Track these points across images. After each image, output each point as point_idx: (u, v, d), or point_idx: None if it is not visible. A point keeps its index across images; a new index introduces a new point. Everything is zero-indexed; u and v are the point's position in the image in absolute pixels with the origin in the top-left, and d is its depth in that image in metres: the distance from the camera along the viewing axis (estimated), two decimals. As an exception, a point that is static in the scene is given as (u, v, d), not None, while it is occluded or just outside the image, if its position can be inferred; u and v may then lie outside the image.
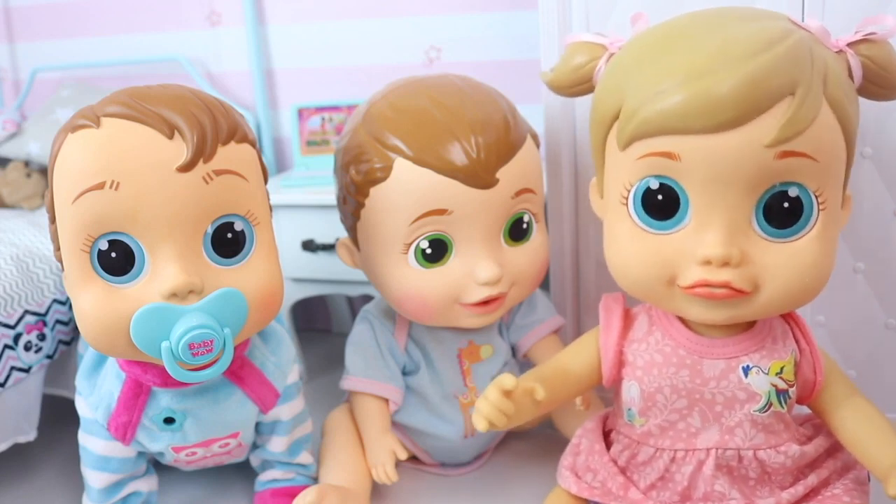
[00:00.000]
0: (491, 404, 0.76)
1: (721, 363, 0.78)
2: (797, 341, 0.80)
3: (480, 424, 0.76)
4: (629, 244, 0.75)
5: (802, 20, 0.82)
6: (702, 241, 0.71)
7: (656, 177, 0.72)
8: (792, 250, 0.71)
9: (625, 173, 0.74)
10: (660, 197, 0.72)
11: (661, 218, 0.73)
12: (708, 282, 0.71)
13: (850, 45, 0.72)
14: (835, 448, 0.83)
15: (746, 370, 0.78)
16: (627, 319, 0.84)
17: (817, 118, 0.66)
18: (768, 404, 0.78)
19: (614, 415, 0.89)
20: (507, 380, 0.76)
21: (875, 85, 0.73)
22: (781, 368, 0.78)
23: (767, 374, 0.77)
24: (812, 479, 0.80)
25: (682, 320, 0.81)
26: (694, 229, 0.71)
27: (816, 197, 0.70)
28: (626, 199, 0.74)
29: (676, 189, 0.71)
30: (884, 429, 0.78)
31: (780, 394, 0.78)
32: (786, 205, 0.70)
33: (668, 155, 0.69)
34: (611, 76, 0.76)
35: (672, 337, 0.80)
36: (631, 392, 0.82)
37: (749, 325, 0.80)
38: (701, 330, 0.80)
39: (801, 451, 0.80)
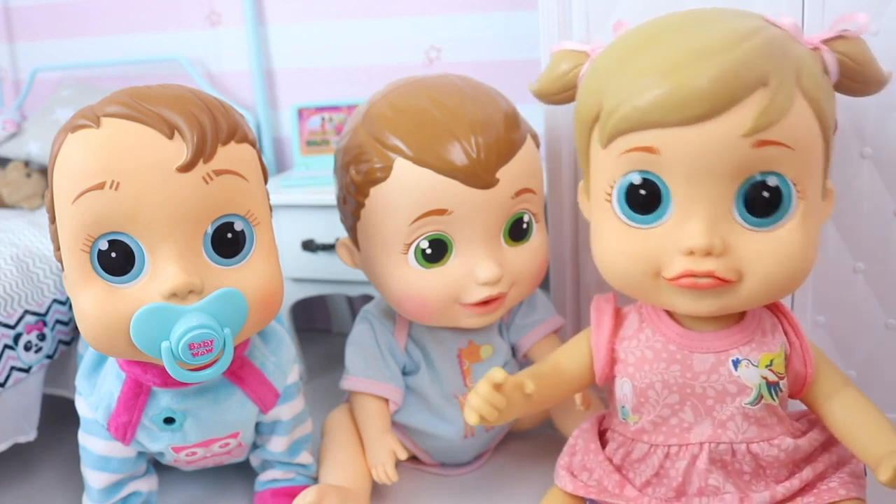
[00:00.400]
0: (481, 398, 0.76)
1: (711, 357, 0.79)
2: (786, 334, 0.81)
3: (471, 418, 0.77)
4: (615, 240, 0.77)
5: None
6: (684, 233, 0.72)
7: (639, 172, 0.74)
8: (773, 238, 0.72)
9: (608, 171, 0.76)
10: (642, 192, 0.74)
11: (645, 212, 0.75)
12: (692, 272, 0.72)
13: (825, 42, 0.73)
14: (830, 442, 0.84)
15: (736, 363, 0.78)
16: (618, 318, 0.86)
17: (792, 108, 0.68)
18: (759, 397, 0.78)
19: (610, 415, 0.89)
20: (497, 373, 0.76)
21: (851, 80, 0.74)
22: (771, 361, 0.79)
23: (757, 366, 0.78)
24: (807, 473, 0.81)
25: (672, 316, 0.82)
26: (676, 221, 0.73)
27: (795, 186, 0.71)
28: (611, 195, 0.76)
29: (658, 183, 0.73)
30: (875, 419, 0.78)
31: (771, 386, 0.79)
32: (765, 194, 0.71)
33: (649, 149, 0.71)
34: (591, 78, 0.78)
35: (662, 333, 0.81)
36: (624, 389, 0.83)
37: (738, 319, 0.80)
38: (690, 324, 0.81)
39: (794, 444, 0.80)
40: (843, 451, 0.83)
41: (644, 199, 0.74)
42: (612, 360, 0.84)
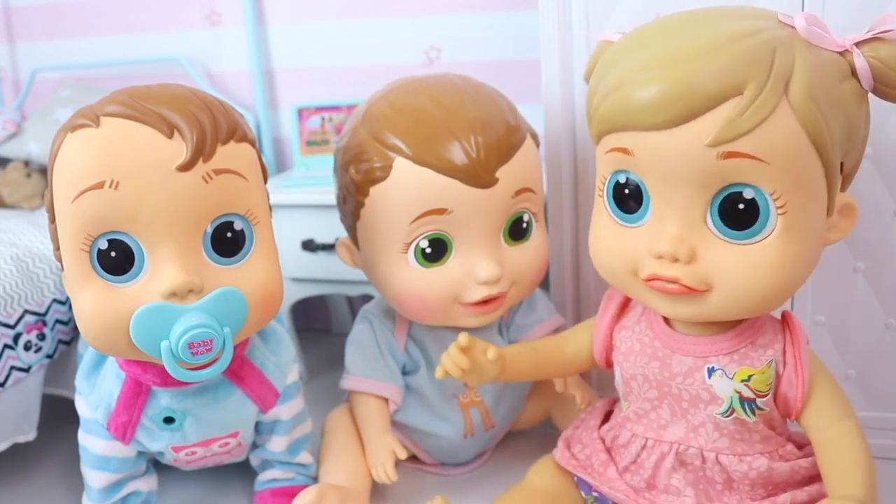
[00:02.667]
0: (449, 358, 0.85)
1: (689, 360, 0.78)
2: (785, 353, 0.77)
3: (438, 372, 0.86)
4: (603, 235, 0.78)
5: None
6: (657, 236, 0.72)
7: (623, 171, 0.74)
8: (747, 253, 0.69)
9: (601, 167, 0.77)
10: (626, 191, 0.74)
11: (629, 211, 0.75)
12: (659, 276, 0.72)
13: (857, 44, 0.69)
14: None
15: (711, 371, 0.77)
16: (624, 308, 0.87)
17: (768, 121, 0.65)
18: (730, 409, 0.77)
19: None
20: (462, 338, 0.84)
21: (886, 86, 0.69)
22: (749, 376, 0.76)
23: (732, 379, 0.76)
24: (784, 499, 0.77)
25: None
26: (653, 224, 0.73)
27: (774, 200, 0.68)
28: (602, 192, 0.77)
29: (640, 184, 0.73)
30: (853, 459, 0.73)
31: (745, 402, 0.76)
32: (740, 206, 0.69)
33: (624, 150, 0.71)
34: (595, 74, 0.77)
35: (652, 329, 0.82)
36: (616, 375, 0.86)
37: (728, 327, 0.78)
38: (678, 326, 0.80)
39: (769, 466, 0.77)
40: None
41: (628, 198, 0.74)
42: (610, 346, 0.86)
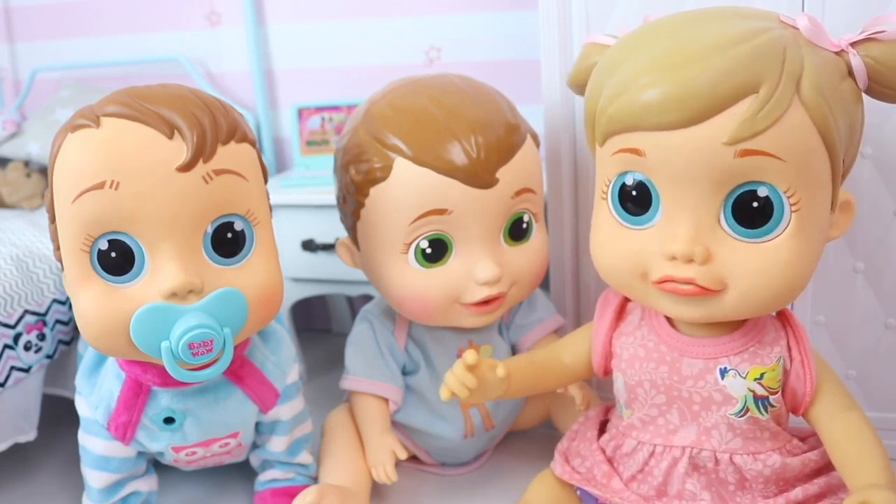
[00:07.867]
0: (455, 377, 0.82)
1: (699, 363, 0.78)
2: (790, 349, 0.78)
3: (443, 394, 0.83)
4: (607, 238, 0.77)
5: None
6: (670, 237, 0.71)
7: (630, 172, 0.73)
8: (761, 251, 0.70)
9: (605, 169, 0.76)
10: (634, 193, 0.74)
11: (636, 213, 0.74)
12: (673, 277, 0.71)
13: (853, 44, 0.70)
14: (831, 466, 0.80)
15: (723, 372, 0.77)
16: (621, 313, 0.86)
17: (783, 118, 0.65)
18: (745, 409, 0.77)
19: (613, 406, 0.90)
20: (470, 356, 0.81)
21: (880, 85, 0.70)
22: (762, 374, 0.77)
23: (745, 378, 0.76)
24: (797, 493, 0.78)
25: (668, 318, 0.81)
26: (664, 225, 0.72)
27: (788, 198, 0.68)
28: (606, 193, 0.76)
29: (648, 185, 0.72)
30: (867, 448, 0.74)
31: (759, 400, 0.77)
32: (755, 204, 0.69)
33: (635, 151, 0.71)
34: (594, 74, 0.77)
35: (656, 333, 0.81)
36: (618, 383, 0.84)
37: (736, 327, 0.79)
38: (683, 328, 0.80)
39: (782, 462, 0.78)
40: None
41: (635, 199, 0.74)
42: (609, 354, 0.85)
